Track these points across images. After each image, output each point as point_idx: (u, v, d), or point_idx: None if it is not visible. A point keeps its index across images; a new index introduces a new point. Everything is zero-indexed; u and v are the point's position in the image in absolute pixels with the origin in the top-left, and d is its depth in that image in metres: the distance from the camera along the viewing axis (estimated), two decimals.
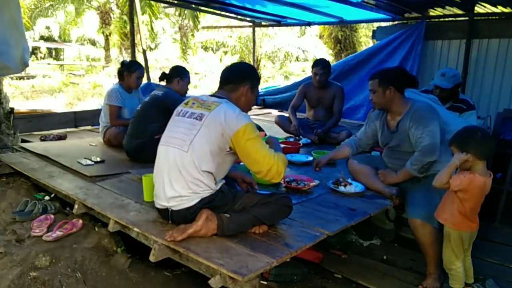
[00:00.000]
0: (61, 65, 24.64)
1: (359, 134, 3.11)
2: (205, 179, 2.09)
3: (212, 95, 2.27)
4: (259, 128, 4.68)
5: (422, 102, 2.82)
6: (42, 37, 28.13)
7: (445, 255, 2.39)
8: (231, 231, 2.10)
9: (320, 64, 4.59)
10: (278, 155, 2.14)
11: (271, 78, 19.32)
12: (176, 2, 7.10)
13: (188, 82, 3.81)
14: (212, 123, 2.07)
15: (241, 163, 3.20)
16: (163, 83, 3.77)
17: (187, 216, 2.11)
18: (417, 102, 2.76)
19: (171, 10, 20.39)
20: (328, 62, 4.69)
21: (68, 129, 5.17)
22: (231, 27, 14.23)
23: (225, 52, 21.13)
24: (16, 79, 15.62)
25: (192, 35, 22.71)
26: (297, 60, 20.43)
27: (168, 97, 3.49)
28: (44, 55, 30.21)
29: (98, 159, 3.49)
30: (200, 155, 2.06)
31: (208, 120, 2.08)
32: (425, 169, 2.63)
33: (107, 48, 22.77)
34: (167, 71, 3.82)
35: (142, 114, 3.57)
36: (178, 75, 3.71)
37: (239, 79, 2.27)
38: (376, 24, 7.26)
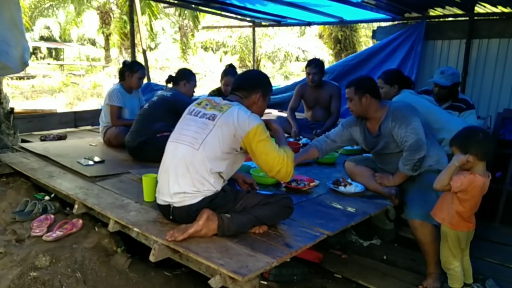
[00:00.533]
0: (61, 65, 24.67)
1: (332, 136, 3.02)
2: (212, 179, 2.11)
3: (224, 98, 2.29)
4: None
5: (399, 102, 2.87)
6: (42, 37, 28.14)
7: (442, 255, 2.40)
8: (232, 231, 2.09)
9: (312, 64, 4.59)
10: (287, 154, 2.18)
11: (271, 78, 19.24)
12: (176, 2, 7.10)
13: (195, 85, 3.83)
14: (225, 124, 2.10)
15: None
16: (170, 85, 3.78)
17: (189, 213, 2.11)
18: (394, 103, 2.80)
19: (171, 10, 20.39)
20: (321, 61, 4.68)
21: (68, 129, 5.17)
22: (231, 27, 14.24)
23: (225, 52, 21.14)
24: (16, 79, 15.63)
25: (192, 35, 22.72)
26: (297, 60, 20.44)
27: (178, 99, 3.52)
28: (44, 55, 30.23)
29: (98, 159, 3.48)
30: (212, 155, 2.09)
31: (220, 121, 2.11)
32: (418, 166, 2.63)
33: (107, 48, 22.79)
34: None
35: (149, 113, 3.58)
36: (185, 78, 3.74)
37: (252, 87, 2.30)
38: (376, 24, 7.26)
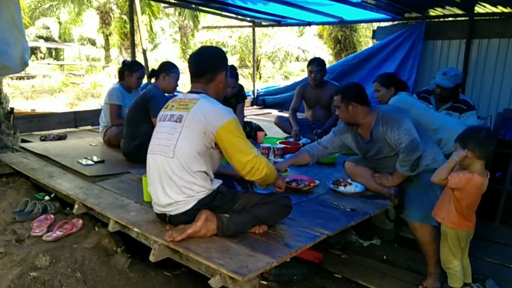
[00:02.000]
0: (61, 65, 24.69)
1: (324, 142, 3.01)
2: (199, 180, 2.06)
3: (189, 92, 2.23)
4: (259, 128, 4.68)
5: (387, 106, 2.92)
6: (40, 37, 28.11)
7: (442, 254, 2.40)
8: (231, 231, 2.09)
9: (315, 62, 4.60)
10: (263, 158, 2.12)
11: (271, 78, 19.30)
12: (176, 2, 7.10)
13: (177, 78, 3.69)
14: (193, 123, 2.03)
15: None
16: (153, 80, 3.71)
17: (185, 219, 2.10)
18: (382, 107, 2.80)
19: (171, 10, 20.38)
20: (322, 60, 4.69)
21: (68, 129, 5.17)
22: (231, 27, 14.22)
23: (225, 52, 21.08)
24: (16, 79, 15.63)
25: (192, 35, 22.70)
26: (297, 60, 20.41)
27: (146, 95, 3.47)
28: (44, 55, 30.23)
29: (98, 159, 3.48)
30: (187, 158, 2.03)
31: (188, 121, 2.04)
32: (416, 166, 2.62)
33: (107, 48, 22.80)
34: None
35: (130, 116, 3.56)
36: (164, 70, 3.62)
37: (215, 68, 2.20)
38: (376, 24, 7.26)
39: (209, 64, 2.21)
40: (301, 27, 18.20)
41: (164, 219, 2.21)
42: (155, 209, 2.24)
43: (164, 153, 2.07)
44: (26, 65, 3.54)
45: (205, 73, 2.19)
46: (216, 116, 2.03)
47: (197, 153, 2.03)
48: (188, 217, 2.09)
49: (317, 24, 7.88)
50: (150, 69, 3.75)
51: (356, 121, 2.76)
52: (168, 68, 3.64)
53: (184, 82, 8.65)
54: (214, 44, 18.66)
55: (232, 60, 18.85)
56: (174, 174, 2.04)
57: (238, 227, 2.11)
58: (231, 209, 2.16)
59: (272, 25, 8.30)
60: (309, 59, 4.86)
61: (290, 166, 2.97)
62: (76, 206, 2.68)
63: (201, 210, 2.08)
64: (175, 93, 3.87)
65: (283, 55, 19.34)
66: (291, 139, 4.46)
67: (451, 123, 3.11)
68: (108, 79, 16.30)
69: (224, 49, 21.04)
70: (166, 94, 3.61)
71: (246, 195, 2.24)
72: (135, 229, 2.25)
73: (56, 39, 29.03)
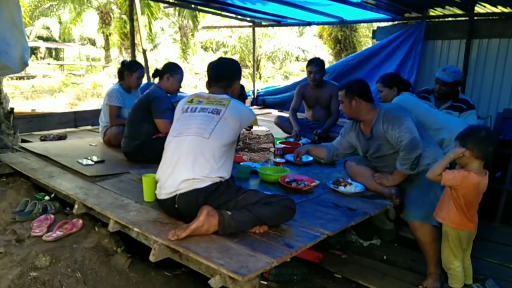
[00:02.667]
0: (61, 65, 24.69)
1: (335, 144, 3.14)
2: (221, 167, 2.23)
3: (212, 93, 2.43)
4: None
5: (390, 104, 2.96)
6: (40, 37, 28.10)
7: (443, 255, 2.40)
8: (232, 228, 2.10)
9: (314, 62, 4.60)
10: None
11: (271, 78, 19.31)
12: (176, 2, 7.10)
13: (180, 80, 3.67)
14: (231, 117, 2.28)
15: (241, 163, 3.21)
16: (156, 80, 3.69)
17: (197, 199, 2.15)
18: (384, 105, 2.85)
19: (171, 10, 20.38)
20: (321, 60, 4.69)
21: (68, 129, 5.17)
22: (231, 27, 14.23)
23: (225, 52, 21.07)
24: (16, 79, 15.63)
25: (192, 35, 22.70)
26: (297, 60, 20.42)
27: (149, 96, 3.46)
28: (44, 55, 30.23)
29: (98, 159, 3.48)
30: (221, 144, 2.22)
31: (226, 114, 2.28)
32: (416, 165, 2.61)
33: (107, 48, 22.78)
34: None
35: (132, 116, 3.55)
36: (168, 71, 3.59)
37: (232, 76, 2.50)
38: (376, 24, 7.26)
39: (228, 73, 2.50)
40: (301, 27, 18.21)
41: (169, 206, 2.25)
42: (161, 195, 2.28)
43: (198, 134, 2.23)
44: (26, 65, 3.54)
45: (223, 80, 2.46)
46: (248, 114, 2.41)
47: (227, 143, 2.27)
48: (198, 198, 2.15)
49: (317, 24, 7.88)
50: (151, 69, 3.74)
51: (359, 116, 2.79)
52: (172, 69, 3.62)
53: (185, 83, 8.66)
54: (214, 44, 18.71)
55: None
56: (202, 155, 2.19)
57: (239, 225, 2.11)
58: (234, 199, 2.21)
59: (272, 25, 8.30)
60: (309, 59, 4.85)
61: (306, 154, 3.24)
62: (76, 206, 2.68)
63: (202, 206, 2.10)
64: (178, 94, 3.86)
65: (283, 55, 19.35)
66: (291, 139, 4.46)
67: (454, 123, 3.10)
68: (108, 79, 16.28)
69: (224, 49, 21.14)
70: (169, 95, 3.61)
71: (249, 192, 2.29)
72: (135, 229, 2.25)
73: (56, 39, 29.02)
